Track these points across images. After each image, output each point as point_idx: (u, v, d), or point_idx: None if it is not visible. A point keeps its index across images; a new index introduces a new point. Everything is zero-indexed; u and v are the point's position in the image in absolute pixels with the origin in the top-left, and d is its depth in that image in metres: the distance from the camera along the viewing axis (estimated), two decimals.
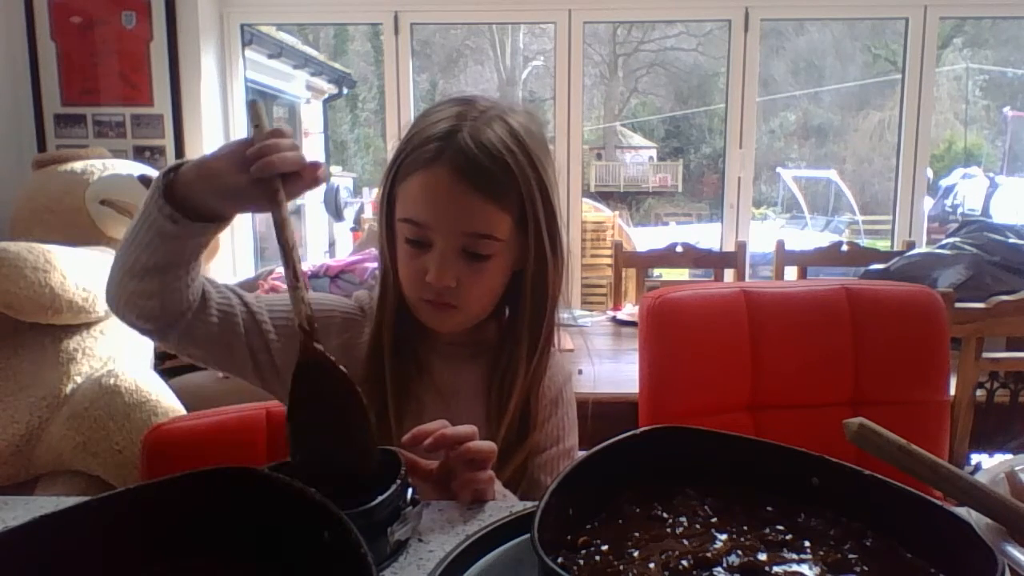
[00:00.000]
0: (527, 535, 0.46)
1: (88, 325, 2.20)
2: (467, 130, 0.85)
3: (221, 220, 0.78)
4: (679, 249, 2.91)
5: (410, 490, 0.65)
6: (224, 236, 3.09)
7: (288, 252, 0.68)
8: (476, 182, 0.84)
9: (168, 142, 2.98)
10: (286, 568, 0.51)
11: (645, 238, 7.51)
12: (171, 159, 2.98)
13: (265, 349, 0.90)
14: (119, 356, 2.25)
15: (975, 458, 1.82)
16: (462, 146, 0.84)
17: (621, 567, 0.48)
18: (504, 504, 0.74)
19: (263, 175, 0.69)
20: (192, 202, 0.75)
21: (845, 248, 2.96)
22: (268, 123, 0.72)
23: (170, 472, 0.51)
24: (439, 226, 0.86)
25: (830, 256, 2.96)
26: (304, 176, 0.71)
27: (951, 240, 2.39)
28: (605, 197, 12.03)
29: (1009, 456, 0.60)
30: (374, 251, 2.65)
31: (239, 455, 1.11)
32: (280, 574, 0.51)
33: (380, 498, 0.60)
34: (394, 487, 0.62)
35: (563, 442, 1.00)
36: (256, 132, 0.71)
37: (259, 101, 0.72)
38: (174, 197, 0.75)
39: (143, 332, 0.85)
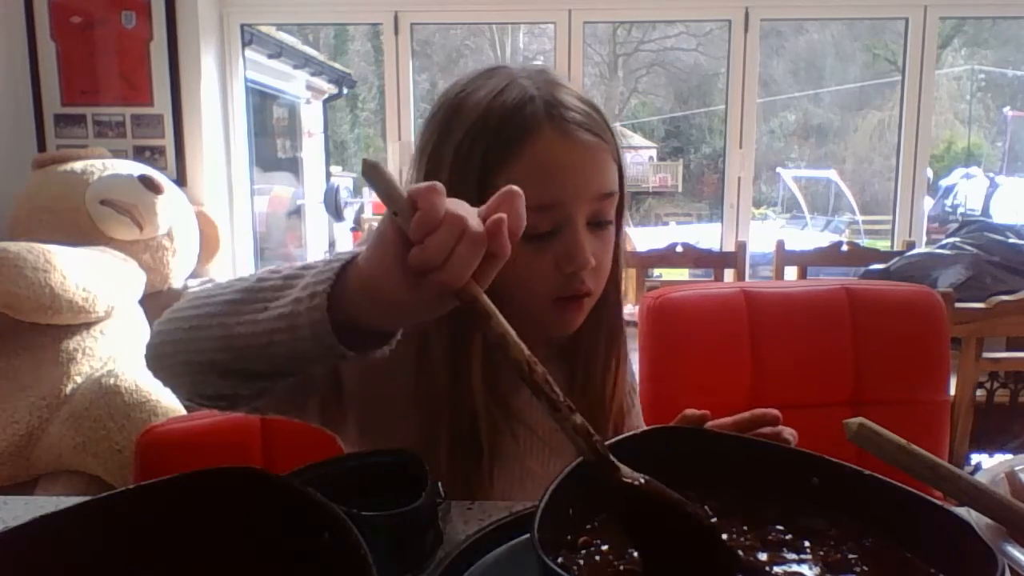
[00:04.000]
0: (527, 535, 0.46)
1: (88, 325, 2.20)
2: (538, 92, 0.73)
3: (390, 337, 0.57)
4: (679, 249, 2.91)
5: (439, 485, 0.64)
6: (224, 235, 3.10)
7: (530, 370, 0.48)
8: (588, 129, 0.73)
9: (168, 142, 2.98)
10: (286, 568, 0.51)
11: (645, 238, 7.51)
12: (171, 159, 2.98)
13: (336, 388, 0.76)
14: (119, 356, 2.25)
15: (975, 458, 1.82)
16: (552, 104, 0.73)
17: (621, 567, 0.48)
18: (504, 504, 0.74)
19: (451, 287, 0.48)
20: (355, 321, 0.53)
21: (845, 248, 2.96)
22: (399, 188, 0.48)
23: (164, 474, 0.51)
24: (572, 195, 0.73)
25: (830, 256, 2.96)
26: (495, 251, 0.48)
27: (951, 240, 2.39)
28: None
29: (1009, 456, 0.60)
30: None
31: (234, 457, 1.11)
32: (280, 574, 0.51)
33: (423, 495, 0.59)
34: (429, 483, 0.61)
35: (632, 414, 0.92)
36: (401, 219, 0.48)
37: (378, 164, 0.47)
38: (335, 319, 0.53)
39: (203, 405, 0.68)
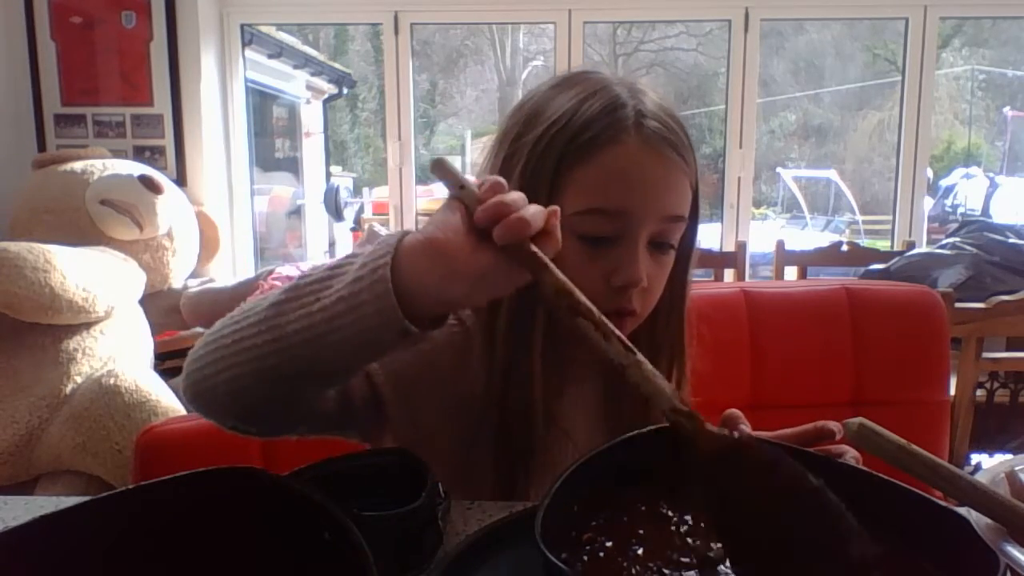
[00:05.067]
0: (529, 533, 0.46)
1: (88, 325, 2.20)
2: (631, 100, 0.73)
3: (445, 316, 0.59)
4: None
5: (439, 484, 0.64)
6: (224, 235, 3.11)
7: (597, 320, 0.51)
8: (671, 145, 0.73)
9: (168, 142, 2.98)
10: (287, 568, 0.51)
11: None
12: (171, 159, 2.98)
13: (374, 403, 0.74)
14: (119, 356, 2.25)
15: (975, 458, 1.82)
16: (643, 115, 0.72)
17: (625, 564, 0.48)
18: (504, 504, 0.74)
19: (512, 240, 0.51)
20: (419, 298, 0.53)
21: (845, 248, 2.96)
22: (458, 171, 0.55)
23: (164, 474, 0.51)
24: (642, 208, 0.71)
25: (830, 256, 2.95)
26: (550, 230, 0.53)
27: (951, 240, 2.39)
28: None
29: (1009, 456, 0.60)
30: None
31: (234, 457, 1.10)
32: (281, 574, 0.51)
33: (423, 495, 0.59)
34: (430, 482, 0.61)
35: None
36: (465, 193, 0.53)
37: (444, 159, 0.55)
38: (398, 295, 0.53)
39: (242, 433, 0.67)
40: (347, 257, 0.57)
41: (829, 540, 0.47)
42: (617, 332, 0.51)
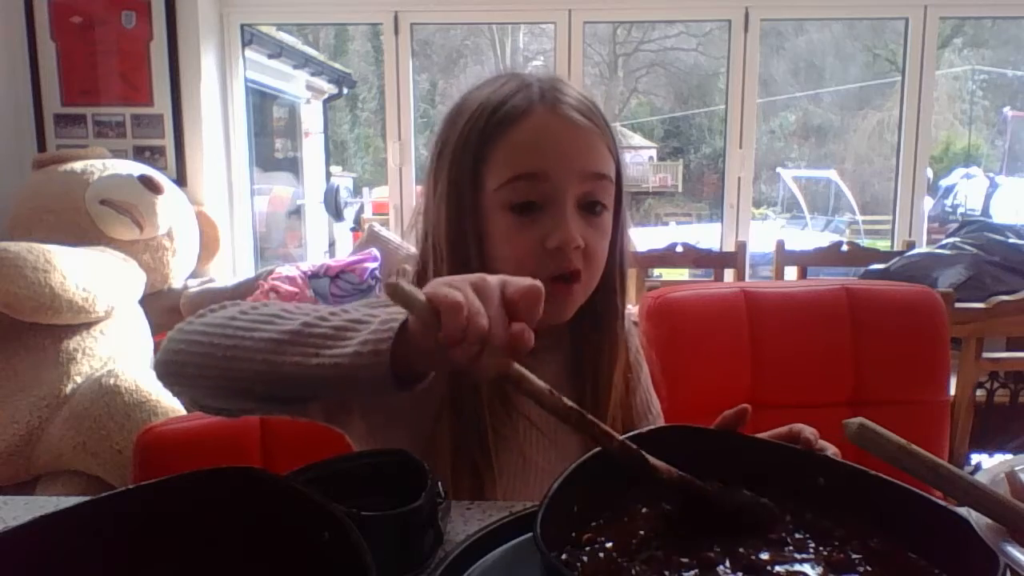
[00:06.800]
0: (528, 534, 0.46)
1: (88, 325, 2.20)
2: (538, 83, 0.79)
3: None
4: (679, 249, 2.91)
5: (440, 484, 0.65)
6: (224, 235, 3.10)
7: (567, 412, 0.52)
8: (582, 114, 0.77)
9: (168, 142, 2.98)
10: (286, 568, 0.51)
11: (645, 238, 7.47)
12: (171, 159, 2.97)
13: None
14: (119, 356, 2.25)
15: (975, 458, 1.82)
16: (547, 90, 0.78)
17: (624, 564, 0.48)
18: (504, 504, 0.74)
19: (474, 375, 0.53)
20: (403, 369, 0.57)
21: (845, 248, 2.96)
22: (420, 299, 0.51)
23: (164, 474, 0.51)
24: (560, 168, 0.75)
25: (830, 256, 2.95)
26: (520, 349, 0.51)
27: (951, 240, 2.39)
28: None
29: (1009, 456, 0.60)
30: (375, 251, 2.65)
31: (233, 458, 1.10)
32: (280, 574, 0.51)
33: (423, 495, 0.59)
34: (430, 482, 0.61)
35: (653, 408, 0.95)
36: (431, 327, 0.51)
37: (399, 284, 0.51)
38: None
39: (208, 413, 0.72)
40: (352, 322, 0.60)
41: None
42: (596, 425, 0.53)
